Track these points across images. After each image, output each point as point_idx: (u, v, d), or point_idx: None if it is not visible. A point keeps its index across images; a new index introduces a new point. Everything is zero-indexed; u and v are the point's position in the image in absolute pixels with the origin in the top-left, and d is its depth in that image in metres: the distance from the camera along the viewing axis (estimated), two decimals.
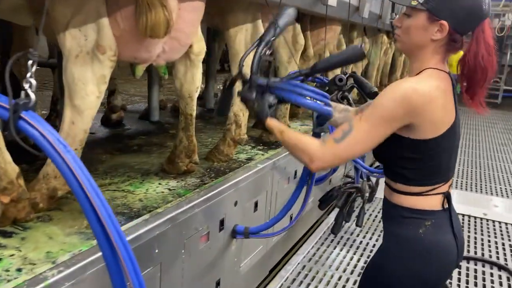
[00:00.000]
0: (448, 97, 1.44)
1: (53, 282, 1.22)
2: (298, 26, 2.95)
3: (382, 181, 5.52)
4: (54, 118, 3.24)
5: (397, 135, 1.42)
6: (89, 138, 3.21)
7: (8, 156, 1.57)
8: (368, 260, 1.67)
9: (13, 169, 1.60)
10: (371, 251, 3.99)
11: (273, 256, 3.29)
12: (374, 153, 1.54)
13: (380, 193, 5.38)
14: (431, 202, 1.50)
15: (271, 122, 1.50)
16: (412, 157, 1.46)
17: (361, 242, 4.17)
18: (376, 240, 4.21)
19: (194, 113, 2.23)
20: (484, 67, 1.43)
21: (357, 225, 4.30)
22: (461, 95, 1.51)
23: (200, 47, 2.07)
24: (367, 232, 4.39)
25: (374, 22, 4.09)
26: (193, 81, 2.13)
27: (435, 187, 1.50)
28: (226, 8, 2.42)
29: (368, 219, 4.72)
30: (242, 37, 2.40)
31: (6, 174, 1.57)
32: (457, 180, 6.25)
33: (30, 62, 1.13)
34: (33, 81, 1.09)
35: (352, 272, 3.60)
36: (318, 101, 1.53)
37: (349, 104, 2.77)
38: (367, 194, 4.60)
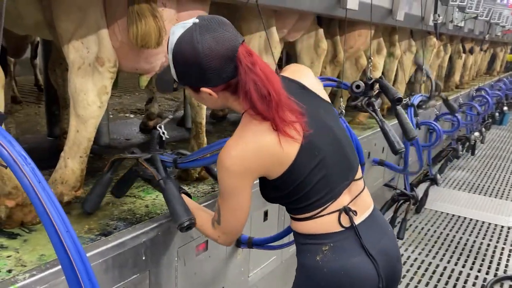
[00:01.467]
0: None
1: (22, 285, 1.27)
2: (320, 31, 2.87)
3: (432, 190, 5.23)
4: None
5: (263, 178, 1.38)
6: (122, 144, 3.40)
7: None
8: None
9: None
10: (411, 265, 3.80)
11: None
12: (264, 198, 1.49)
13: (429, 204, 5.11)
14: (326, 224, 1.36)
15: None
16: (281, 195, 1.38)
17: (402, 255, 3.96)
18: (419, 254, 3.99)
19: (204, 121, 2.25)
20: (259, 100, 1.28)
21: (398, 237, 4.10)
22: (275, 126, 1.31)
23: None
24: (409, 245, 4.17)
25: (415, 24, 3.88)
26: None
27: (324, 207, 1.36)
28: (239, 16, 2.42)
29: (413, 231, 4.48)
30: (255, 44, 2.38)
31: (11, 179, 1.68)
32: (504, 189, 5.75)
33: None
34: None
35: None
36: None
37: (374, 111, 2.66)
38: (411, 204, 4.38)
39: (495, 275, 3.68)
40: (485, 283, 3.53)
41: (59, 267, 1.36)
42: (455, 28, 5.02)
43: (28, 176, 1.08)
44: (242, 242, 2.08)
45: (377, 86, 2.75)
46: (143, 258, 1.59)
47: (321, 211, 1.36)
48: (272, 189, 1.39)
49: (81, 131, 1.82)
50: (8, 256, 1.55)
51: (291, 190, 1.35)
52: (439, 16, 3.59)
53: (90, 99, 1.78)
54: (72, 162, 1.87)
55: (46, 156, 2.69)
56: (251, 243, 2.06)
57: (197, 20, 1.30)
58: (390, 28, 4.24)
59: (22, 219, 1.76)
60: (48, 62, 2.94)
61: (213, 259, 1.96)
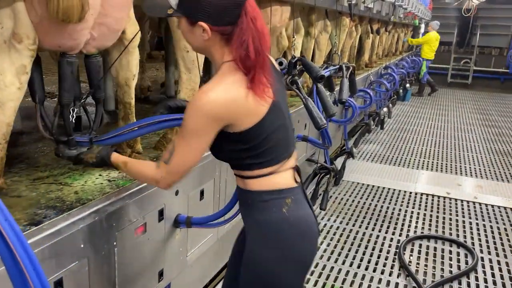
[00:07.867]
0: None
1: None
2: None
3: (348, 163, 5.57)
4: None
5: (225, 132, 1.41)
6: (36, 129, 3.16)
7: None
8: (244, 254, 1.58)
9: None
10: (334, 233, 4.03)
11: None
12: (214, 155, 1.54)
13: (346, 176, 5.44)
14: (285, 179, 1.51)
15: (114, 160, 1.63)
16: (245, 148, 1.44)
17: (325, 225, 4.20)
18: (340, 223, 4.24)
19: (133, 101, 2.17)
20: (253, 52, 1.36)
21: (321, 208, 4.34)
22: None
23: (133, 32, 2.00)
24: (331, 215, 4.42)
25: (331, 4, 4.05)
26: (129, 68, 2.06)
27: (282, 164, 1.49)
28: None
29: (333, 202, 4.75)
30: None
31: None
32: (424, 161, 6.34)
33: None
34: None
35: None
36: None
37: (298, 88, 2.75)
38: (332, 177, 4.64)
39: (407, 236, 4.05)
40: (399, 244, 3.87)
41: None
42: (365, 9, 5.31)
43: None
44: (180, 222, 2.07)
45: (300, 65, 2.85)
46: (82, 245, 1.52)
47: (279, 167, 1.49)
48: (237, 141, 1.43)
49: None
50: None
51: (257, 143, 1.44)
52: None
53: (7, 79, 1.63)
54: None
55: None
56: (190, 223, 2.06)
57: None
58: (307, 8, 4.37)
59: None
60: None
61: (152, 241, 1.93)
